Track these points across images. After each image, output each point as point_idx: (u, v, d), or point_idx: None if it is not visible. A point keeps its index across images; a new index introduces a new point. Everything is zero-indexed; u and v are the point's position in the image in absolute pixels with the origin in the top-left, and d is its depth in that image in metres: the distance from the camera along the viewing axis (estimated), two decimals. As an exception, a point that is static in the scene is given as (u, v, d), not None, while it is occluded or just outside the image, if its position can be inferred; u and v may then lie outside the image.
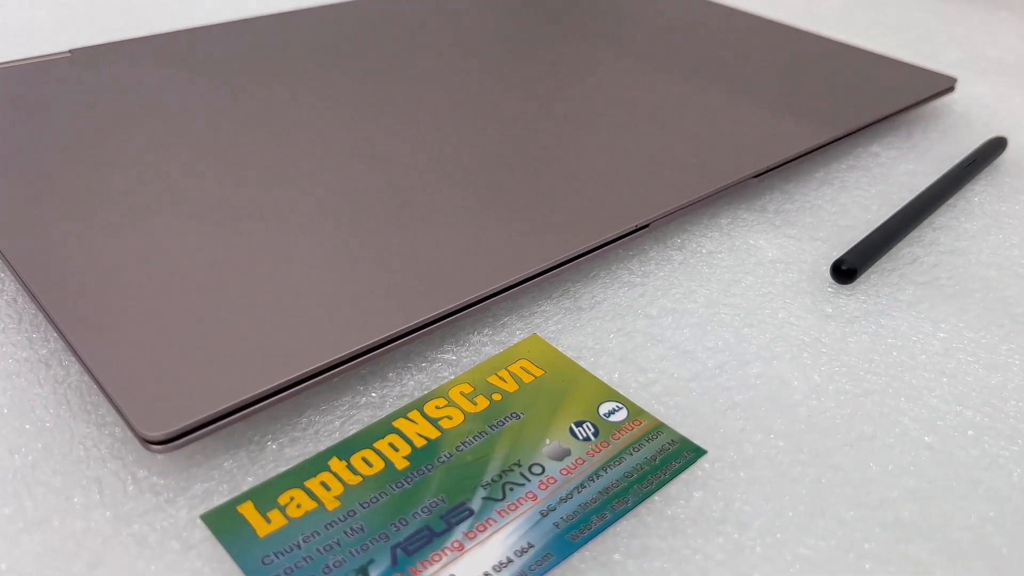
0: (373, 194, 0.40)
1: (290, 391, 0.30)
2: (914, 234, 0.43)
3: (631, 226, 0.39)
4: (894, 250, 0.42)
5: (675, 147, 0.45)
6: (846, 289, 0.39)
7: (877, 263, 0.41)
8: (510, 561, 0.26)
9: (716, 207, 0.45)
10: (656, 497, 0.29)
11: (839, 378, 0.34)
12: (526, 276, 0.35)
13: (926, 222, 0.44)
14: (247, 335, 0.31)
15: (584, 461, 0.30)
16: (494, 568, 0.26)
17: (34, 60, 0.51)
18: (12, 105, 0.46)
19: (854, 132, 0.49)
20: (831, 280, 0.40)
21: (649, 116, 0.48)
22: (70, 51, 0.53)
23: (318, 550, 0.26)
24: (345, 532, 0.27)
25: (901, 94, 0.53)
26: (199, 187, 0.39)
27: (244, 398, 0.29)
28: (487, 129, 0.46)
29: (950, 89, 0.55)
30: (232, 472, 0.29)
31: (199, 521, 0.27)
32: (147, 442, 0.28)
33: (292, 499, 0.28)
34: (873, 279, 0.40)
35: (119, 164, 0.41)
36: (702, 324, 0.36)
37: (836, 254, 0.41)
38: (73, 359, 0.33)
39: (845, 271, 0.39)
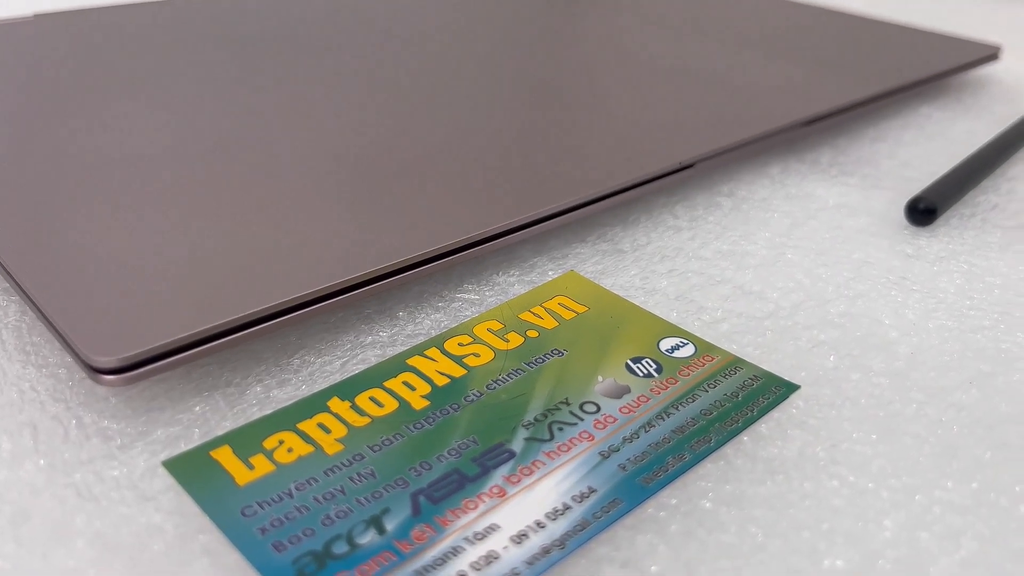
0: (387, 121, 0.34)
1: (271, 322, 0.24)
2: (987, 183, 0.38)
3: (675, 164, 0.34)
4: (968, 197, 0.37)
5: (718, 95, 0.40)
6: (925, 231, 0.34)
7: (953, 208, 0.36)
8: (567, 508, 0.20)
9: (765, 158, 0.39)
10: (744, 437, 0.23)
11: (938, 315, 0.28)
12: (554, 211, 0.29)
13: (998, 172, 0.39)
14: (221, 260, 0.25)
15: (648, 399, 0.24)
16: (547, 516, 0.20)
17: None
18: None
19: (902, 89, 0.44)
20: (906, 223, 0.34)
21: (689, 68, 0.43)
22: (34, 15, 0.48)
23: (315, 499, 0.20)
24: (351, 478, 0.21)
25: (945, 58, 0.48)
26: (174, 122, 0.34)
27: (214, 325, 0.23)
28: (522, 61, 0.41)
29: (994, 56, 0.51)
30: (205, 416, 0.23)
31: (161, 469, 0.21)
32: (96, 371, 0.22)
33: (281, 442, 0.22)
34: (953, 223, 0.34)
35: (71, 110, 0.36)
36: (767, 265, 0.31)
37: (905, 201, 0.36)
38: (12, 298, 0.27)
39: (923, 210, 0.33)
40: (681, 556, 0.19)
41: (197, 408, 0.23)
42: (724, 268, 0.31)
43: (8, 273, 0.25)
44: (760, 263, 0.31)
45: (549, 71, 0.42)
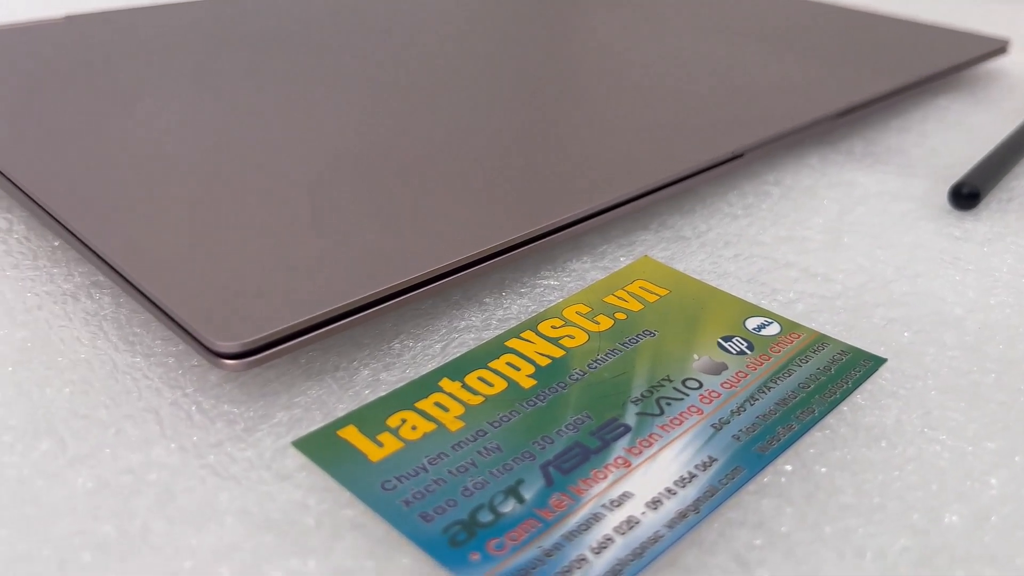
0: (464, 121, 0.35)
1: (377, 307, 0.24)
2: (1017, 169, 0.40)
3: (727, 153, 0.35)
4: (1003, 182, 0.38)
5: (754, 90, 0.41)
6: (969, 215, 0.35)
7: (991, 193, 0.37)
8: (693, 476, 0.21)
9: (802, 149, 0.41)
10: (843, 407, 0.24)
11: (998, 293, 0.30)
12: (619, 201, 0.30)
13: (1025, 160, 0.41)
14: (324, 251, 0.26)
15: (746, 374, 0.25)
16: (676, 483, 0.21)
17: (31, 24, 0.46)
18: (27, 59, 0.40)
19: (921, 82, 0.45)
20: (948, 208, 0.36)
21: (722, 64, 0.45)
22: (65, 17, 0.48)
23: (450, 472, 0.21)
24: (479, 452, 0.21)
25: (958, 52, 0.50)
26: (247, 120, 0.34)
27: (324, 311, 0.23)
28: (567, 59, 0.42)
29: (1002, 50, 0.53)
30: (321, 399, 0.24)
31: (291, 449, 0.22)
32: (220, 356, 0.22)
33: (404, 421, 0.22)
34: (992, 207, 0.36)
35: (143, 105, 0.36)
36: (826, 249, 0.32)
37: (944, 187, 0.37)
38: (104, 292, 0.28)
39: (967, 195, 0.35)
40: (807, 518, 0.20)
41: (312, 391, 0.24)
42: (786, 252, 0.32)
43: (112, 267, 0.25)
44: (819, 247, 0.32)
45: (597, 68, 0.43)
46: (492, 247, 0.27)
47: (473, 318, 0.27)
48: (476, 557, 0.19)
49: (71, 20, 0.48)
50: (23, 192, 0.29)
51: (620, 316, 0.27)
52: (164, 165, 0.30)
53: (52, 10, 0.58)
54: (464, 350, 0.26)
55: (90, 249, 0.26)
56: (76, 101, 0.35)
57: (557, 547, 0.19)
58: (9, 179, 0.30)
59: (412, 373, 0.25)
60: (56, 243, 0.30)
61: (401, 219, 0.28)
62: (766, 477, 0.21)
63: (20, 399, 0.23)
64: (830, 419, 0.23)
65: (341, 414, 0.23)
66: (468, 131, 0.35)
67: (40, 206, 0.28)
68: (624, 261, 0.31)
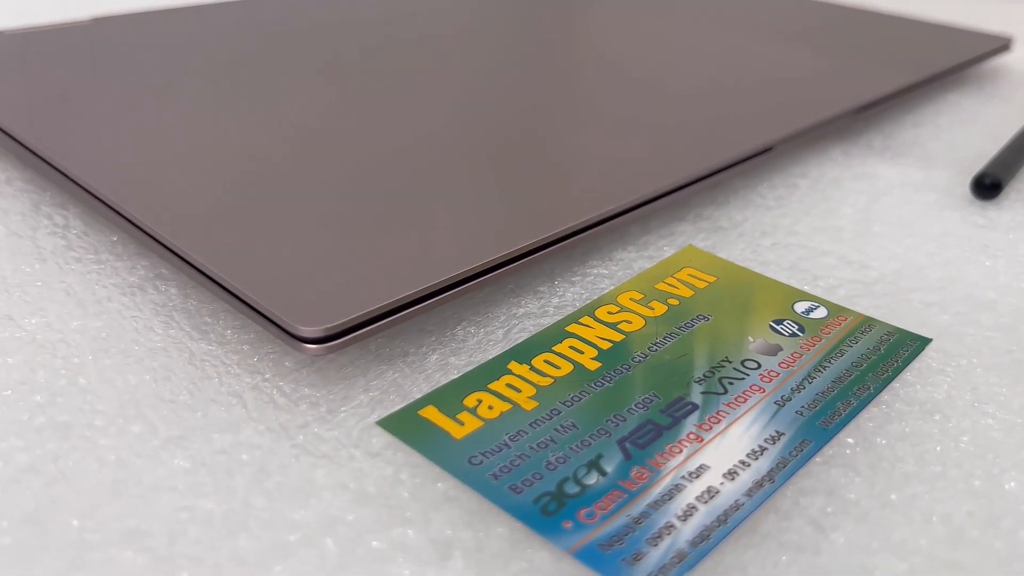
0: (514, 118, 0.36)
1: (444, 295, 0.25)
2: (1031, 162, 0.41)
3: (759, 146, 0.36)
4: (1021, 173, 0.40)
5: (777, 86, 0.42)
6: (991, 204, 0.36)
7: (1010, 184, 0.38)
8: (764, 449, 0.22)
9: (824, 143, 0.42)
10: (895, 384, 0.25)
11: (1027, 278, 0.31)
12: (659, 193, 0.31)
13: (1038, 152, 0.42)
14: (391, 241, 0.27)
15: (800, 355, 0.26)
16: (748, 456, 0.22)
17: (59, 25, 0.47)
18: (67, 57, 0.41)
19: (933, 79, 0.47)
20: (971, 198, 0.37)
21: (744, 62, 0.46)
22: (91, 19, 0.49)
23: (531, 447, 0.22)
24: (556, 429, 0.22)
25: (965, 49, 0.51)
26: (305, 116, 0.35)
27: (400, 297, 0.24)
28: (616, 57, 0.43)
29: (1006, 47, 0.54)
30: (396, 382, 0.24)
31: (376, 429, 0.23)
32: (304, 341, 0.23)
33: (480, 401, 0.23)
34: (1012, 196, 0.37)
35: (195, 101, 0.37)
36: (859, 238, 0.33)
37: (964, 178, 0.39)
38: (169, 284, 0.28)
39: (989, 185, 0.36)
40: (875, 486, 0.21)
41: (387, 375, 0.25)
42: (821, 241, 0.33)
43: (184, 259, 0.26)
44: (852, 236, 0.33)
45: (631, 67, 0.44)
46: (546, 236, 0.28)
47: (530, 305, 0.28)
48: (569, 525, 0.20)
49: (98, 22, 0.48)
50: (82, 188, 0.30)
51: (673, 302, 0.28)
52: (230, 158, 0.31)
53: (58, 14, 0.58)
54: (526, 335, 0.27)
55: (160, 243, 0.27)
56: (127, 97, 0.36)
57: (644, 515, 0.20)
58: (67, 175, 0.30)
59: (479, 357, 0.26)
60: (115, 238, 0.31)
61: (464, 211, 0.29)
62: (831, 449, 0.22)
63: (105, 385, 0.24)
64: (884, 395, 0.24)
65: (418, 395, 0.24)
66: (517, 128, 0.36)
67: (102, 201, 0.29)
68: (667, 250, 0.32)
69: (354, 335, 0.24)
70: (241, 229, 0.27)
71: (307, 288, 0.24)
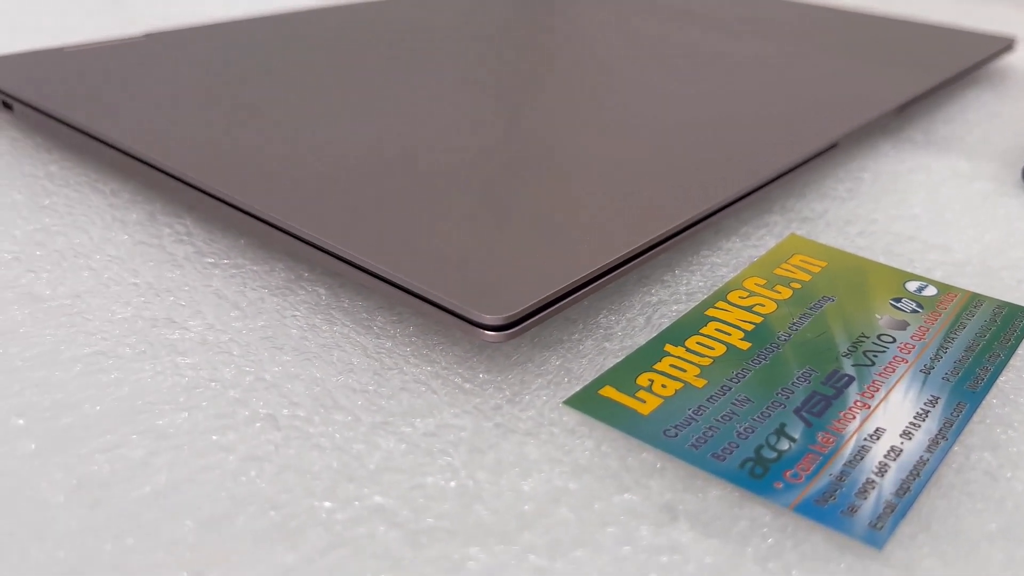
0: (623, 120, 0.38)
1: (598, 282, 0.27)
2: (1062, 153, 0.44)
3: (829, 142, 0.38)
4: (1057, 164, 0.43)
5: (823, 89, 0.45)
6: (1043, 192, 0.39)
7: (1052, 173, 0.41)
8: (927, 412, 0.24)
9: (873, 141, 0.44)
10: (1019, 351, 0.27)
11: (1098, 255, 0.33)
12: (752, 188, 0.33)
13: (1066, 143, 0.45)
14: (537, 236, 0.28)
15: (927, 329, 0.28)
16: (916, 418, 0.24)
17: (116, 41, 0.47)
18: (147, 69, 0.42)
19: (954, 79, 0.50)
20: (1023, 185, 0.40)
21: (786, 68, 0.48)
22: (144, 35, 0.49)
23: (716, 420, 0.23)
24: (733, 404, 0.24)
25: (973, 50, 0.55)
26: (440, 119, 0.36)
27: (566, 284, 0.26)
28: (691, 65, 0.45)
29: (1009, 47, 0.58)
30: (563, 366, 0.26)
31: (564, 408, 0.24)
32: (488, 329, 0.24)
33: (652, 381, 0.25)
34: (1059, 184, 0.40)
35: (306, 104, 0.38)
36: (937, 223, 0.36)
37: (1010, 169, 0.42)
38: (316, 284, 0.29)
39: (1041, 173, 0.39)
40: (1033, 440, 0.23)
41: (552, 360, 0.26)
42: (902, 228, 0.35)
43: (346, 260, 0.27)
44: (929, 223, 0.36)
45: (703, 74, 0.46)
46: (672, 228, 0.29)
47: (661, 293, 0.30)
48: (779, 485, 0.21)
49: (151, 37, 0.49)
50: (210, 195, 0.30)
51: (795, 286, 0.30)
52: (359, 157, 0.32)
53: (98, 32, 0.58)
54: (667, 320, 0.28)
55: (314, 246, 0.28)
56: (227, 104, 0.37)
57: (844, 474, 0.22)
58: (190, 183, 0.31)
59: (630, 342, 0.27)
60: (242, 241, 0.32)
61: (601, 206, 0.30)
62: (986, 409, 0.24)
63: (292, 380, 0.25)
64: (1014, 361, 0.26)
65: (589, 378, 0.25)
66: (635, 132, 0.37)
67: (236, 207, 0.30)
68: (767, 239, 0.34)
69: (530, 321, 0.25)
70: (395, 226, 0.28)
71: (481, 279, 0.25)
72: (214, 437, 0.22)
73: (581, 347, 0.27)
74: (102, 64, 0.42)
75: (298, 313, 0.28)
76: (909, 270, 0.32)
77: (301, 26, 0.51)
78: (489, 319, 0.24)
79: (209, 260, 0.31)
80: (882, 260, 0.32)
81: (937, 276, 0.31)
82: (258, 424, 0.23)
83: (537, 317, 0.25)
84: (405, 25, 0.53)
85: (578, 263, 0.27)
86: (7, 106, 0.40)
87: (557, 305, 0.26)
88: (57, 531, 0.20)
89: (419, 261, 0.26)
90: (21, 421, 0.23)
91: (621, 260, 0.28)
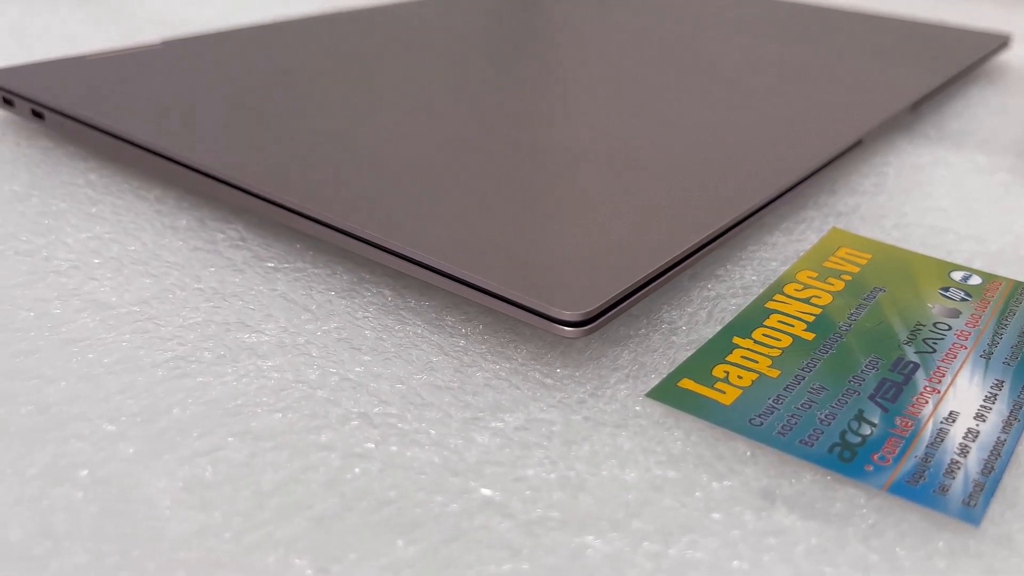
0: (669, 122, 0.38)
1: (664, 276, 0.28)
2: (1071, 146, 0.46)
3: (854, 139, 0.39)
4: (1068, 156, 0.44)
5: (842, 88, 0.46)
6: (1061, 183, 0.40)
7: (1066, 165, 0.43)
8: (994, 395, 0.25)
9: (887, 138, 0.46)
10: (1070, 336, 0.28)
11: (1124, 243, 0.35)
12: (791, 184, 0.34)
13: (1074, 136, 0.47)
14: (600, 233, 0.29)
15: (979, 316, 0.29)
16: (986, 400, 0.25)
17: (132, 50, 0.47)
18: (188, 73, 0.42)
19: (959, 76, 0.51)
20: (1041, 178, 0.41)
21: (808, 68, 0.49)
22: (162, 42, 0.49)
23: (796, 407, 0.24)
24: (809, 391, 0.25)
25: (972, 48, 0.56)
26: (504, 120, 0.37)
27: (636, 280, 0.26)
28: (722, 69, 0.46)
29: (1005, 45, 0.59)
30: (636, 360, 0.26)
31: (646, 400, 0.25)
32: (569, 325, 0.25)
33: (727, 373, 0.26)
34: (1074, 176, 0.41)
35: (345, 106, 0.38)
36: (965, 216, 0.37)
37: (1022, 160, 0.43)
38: (379, 286, 0.30)
39: (1059, 165, 0.40)
40: (1098, 419, 0.24)
41: (625, 355, 0.27)
42: (936, 220, 0.36)
43: (417, 262, 0.27)
44: (959, 214, 0.37)
45: (734, 77, 0.47)
46: (729, 221, 0.30)
47: (718, 288, 0.31)
48: (870, 468, 0.22)
49: (168, 45, 0.49)
50: (270, 201, 0.31)
51: (846, 278, 0.31)
52: (411, 158, 0.33)
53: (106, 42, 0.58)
54: (728, 314, 0.29)
55: (382, 248, 0.28)
56: (264, 108, 0.37)
57: (928, 455, 0.22)
58: (244, 189, 0.31)
59: (696, 335, 0.28)
60: (298, 245, 0.32)
61: (658, 203, 0.31)
62: (1043, 393, 0.25)
63: (377, 380, 0.25)
64: (1067, 346, 0.28)
65: (664, 371, 0.26)
66: (684, 133, 0.38)
67: (297, 212, 0.30)
68: (808, 234, 0.35)
69: (606, 316, 0.26)
70: (463, 225, 0.28)
71: (557, 276, 0.26)
72: (312, 437, 0.23)
73: (649, 342, 0.28)
74: (127, 71, 0.42)
75: (368, 314, 0.28)
76: (949, 260, 0.33)
77: (308, 32, 0.51)
78: (569, 315, 0.25)
79: (270, 264, 0.31)
80: (921, 251, 0.33)
81: (977, 265, 0.33)
82: (354, 422, 0.23)
83: (612, 312, 0.26)
84: (434, 26, 0.53)
85: (646, 258, 0.27)
86: (38, 115, 0.40)
87: (629, 300, 0.27)
88: (175, 533, 0.20)
89: (493, 260, 0.27)
90: (113, 427, 0.23)
91: (685, 254, 0.28)
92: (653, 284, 0.27)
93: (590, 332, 0.25)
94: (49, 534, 0.20)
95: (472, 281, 0.26)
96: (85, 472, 0.22)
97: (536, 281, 0.26)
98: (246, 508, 0.21)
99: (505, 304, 0.26)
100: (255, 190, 0.31)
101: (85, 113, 0.37)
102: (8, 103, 0.41)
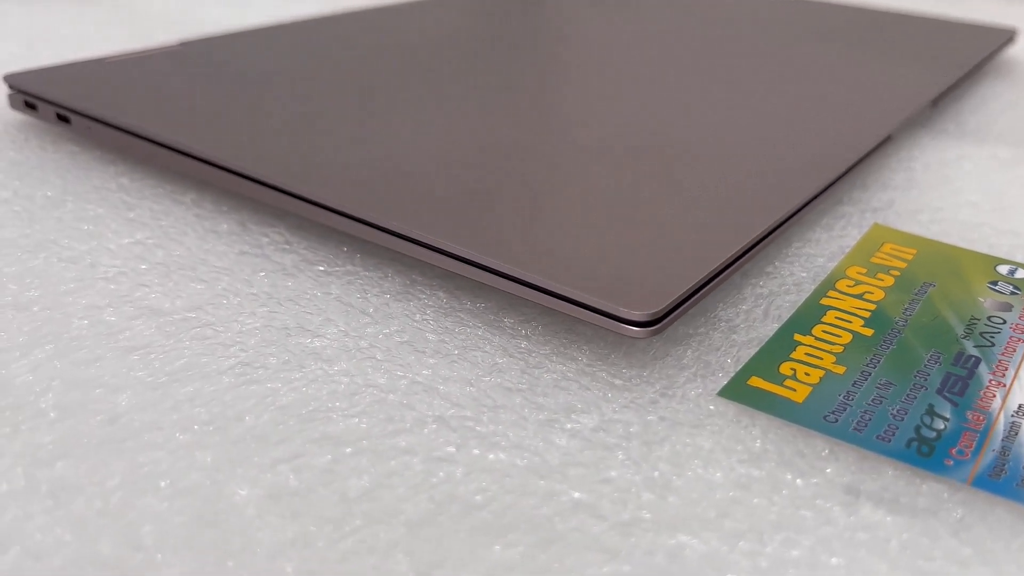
0: (723, 123, 0.38)
1: (724, 273, 0.28)
2: (1089, 139, 0.46)
3: (883, 136, 0.39)
4: (1088, 149, 0.45)
5: (865, 88, 0.46)
6: (1086, 176, 0.41)
7: (1087, 158, 0.43)
8: (1060, 388, 0.25)
9: (909, 133, 0.46)
10: (1122, 328, 0.28)
11: None
12: (829, 182, 0.35)
13: (1090, 129, 0.47)
14: (657, 231, 0.29)
15: (1030, 309, 0.29)
16: (1053, 394, 0.25)
17: (151, 52, 0.46)
18: (217, 73, 0.41)
19: (971, 72, 0.52)
20: (1066, 171, 0.41)
21: (829, 70, 0.50)
22: (179, 43, 0.48)
23: (868, 403, 0.24)
24: (878, 387, 0.25)
25: (980, 43, 0.57)
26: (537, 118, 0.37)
27: (699, 279, 0.26)
28: (760, 70, 0.46)
29: (1011, 40, 0.60)
30: (700, 358, 0.27)
31: (718, 399, 0.25)
32: (637, 325, 0.25)
33: (793, 370, 0.26)
34: (1097, 169, 0.42)
35: (389, 106, 0.38)
36: (999, 209, 0.37)
37: (1047, 155, 0.43)
38: (433, 288, 0.30)
39: (1084, 159, 0.40)
40: None
41: (688, 354, 0.27)
42: (970, 214, 0.37)
43: (477, 264, 0.27)
44: (993, 208, 0.37)
45: (773, 77, 0.47)
46: (778, 218, 0.30)
47: (770, 285, 0.31)
48: (950, 463, 0.22)
49: (186, 45, 0.48)
50: (320, 205, 0.30)
51: (895, 273, 0.31)
52: (460, 156, 0.32)
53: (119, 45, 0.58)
54: (785, 311, 0.29)
55: (441, 251, 0.28)
56: (300, 108, 0.37)
57: (1005, 448, 0.23)
58: (288, 192, 0.31)
59: (755, 333, 0.28)
60: (344, 248, 0.32)
61: (710, 203, 0.31)
62: (1104, 385, 0.26)
63: (446, 383, 0.25)
64: (1120, 337, 0.28)
65: (730, 369, 0.26)
66: (713, 130, 0.38)
67: (352, 217, 0.30)
68: (849, 230, 0.35)
69: (672, 316, 0.26)
70: (520, 226, 0.28)
71: (621, 276, 0.26)
72: (390, 441, 0.23)
73: (710, 340, 0.28)
74: (149, 73, 0.42)
75: (427, 317, 0.28)
76: (992, 255, 0.33)
77: (325, 31, 0.51)
78: (638, 315, 0.25)
79: (320, 268, 0.31)
80: (963, 246, 0.34)
81: (1020, 258, 0.33)
82: (432, 426, 0.23)
83: (678, 311, 0.26)
84: (463, 25, 0.53)
85: (707, 257, 0.27)
86: (63, 119, 0.39)
87: (693, 299, 0.27)
88: (268, 542, 0.20)
89: (556, 261, 0.27)
90: (185, 436, 0.23)
91: (741, 251, 0.28)
92: (713, 282, 0.27)
93: (658, 332, 0.25)
94: (139, 547, 0.20)
95: (535, 282, 0.26)
96: (165, 482, 0.21)
97: (603, 282, 0.26)
98: (335, 515, 0.20)
99: (569, 304, 0.26)
100: (304, 194, 0.31)
101: (116, 116, 0.36)
102: (31, 107, 0.40)
